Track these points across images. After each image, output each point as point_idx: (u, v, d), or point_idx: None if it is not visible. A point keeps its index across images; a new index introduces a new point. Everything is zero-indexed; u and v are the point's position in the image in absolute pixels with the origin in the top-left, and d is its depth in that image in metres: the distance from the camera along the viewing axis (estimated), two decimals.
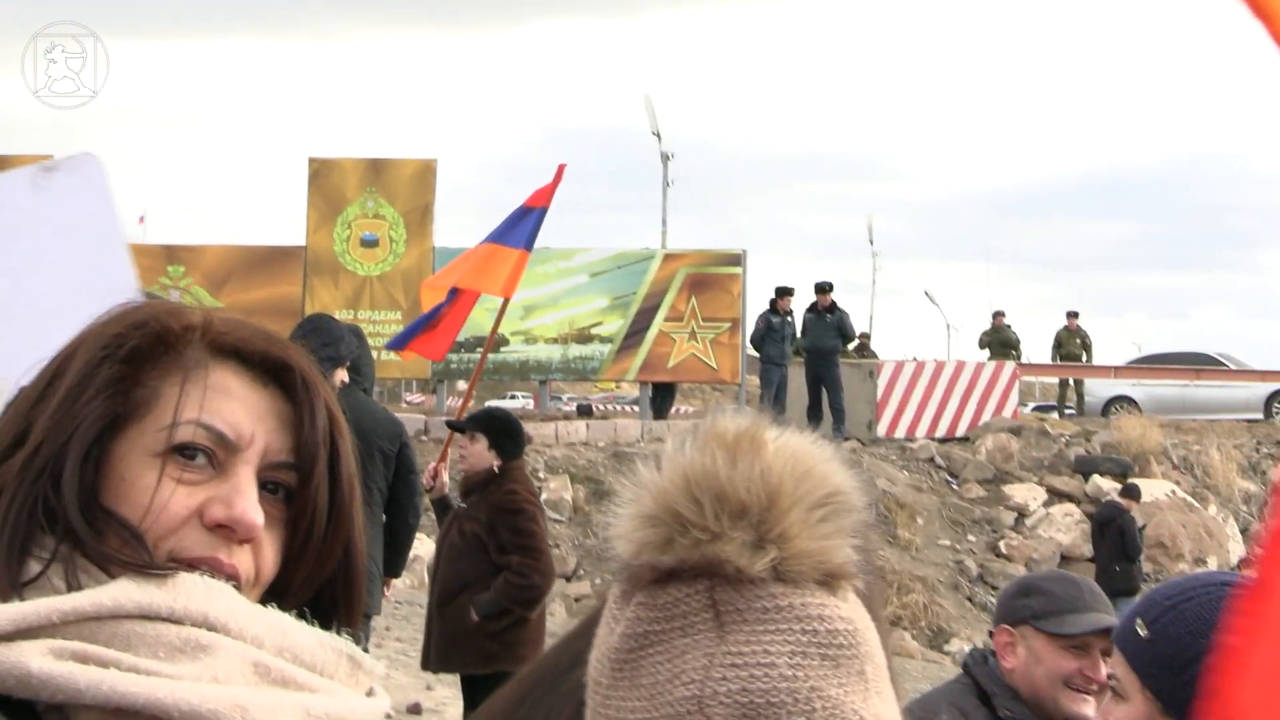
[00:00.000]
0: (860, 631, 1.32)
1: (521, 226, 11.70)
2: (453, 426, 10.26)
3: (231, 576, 1.49)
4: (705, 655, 1.28)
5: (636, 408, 27.05)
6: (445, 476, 10.26)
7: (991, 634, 4.06)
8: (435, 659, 9.46)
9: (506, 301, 11.93)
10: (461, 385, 26.15)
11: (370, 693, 1.54)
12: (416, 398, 35.87)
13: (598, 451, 23.24)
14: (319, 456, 1.57)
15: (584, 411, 28.09)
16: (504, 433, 9.43)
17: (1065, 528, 23.67)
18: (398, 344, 12.75)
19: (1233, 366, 32.88)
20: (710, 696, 1.27)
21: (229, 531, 1.49)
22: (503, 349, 25.40)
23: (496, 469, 9.26)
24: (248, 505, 1.50)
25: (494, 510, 9.17)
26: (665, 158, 36.96)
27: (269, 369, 1.58)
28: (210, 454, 1.51)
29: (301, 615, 1.51)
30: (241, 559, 1.51)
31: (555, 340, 25.77)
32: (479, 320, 19.65)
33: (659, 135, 36.67)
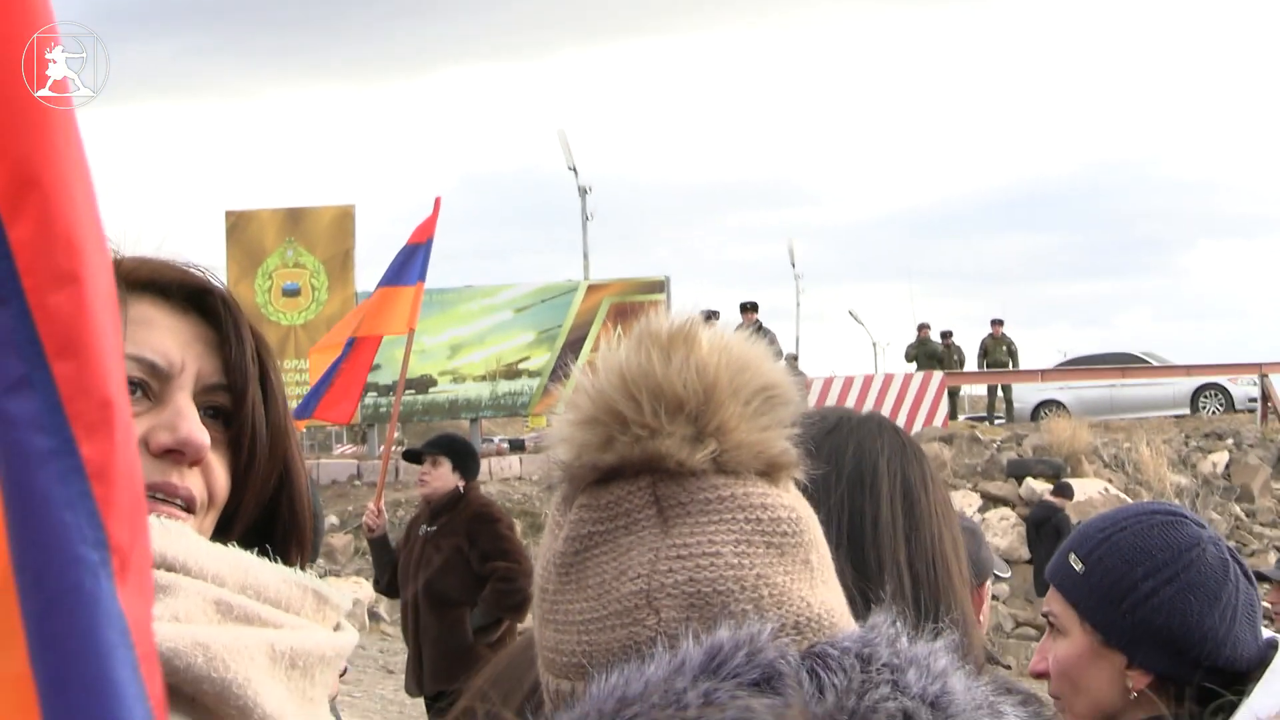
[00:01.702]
0: (803, 519, 1.33)
1: (411, 264, 11.76)
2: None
3: (186, 499, 1.50)
4: (650, 550, 1.29)
5: None
6: (384, 515, 10.26)
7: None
8: (430, 680, 9.40)
9: (412, 335, 11.96)
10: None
11: (337, 627, 1.53)
12: (348, 448, 35.64)
13: (532, 485, 23.18)
14: (250, 374, 1.57)
15: (517, 447, 28.03)
16: (466, 454, 9.71)
17: (1002, 532, 23.75)
18: (301, 413, 12.44)
19: (1157, 364, 33.15)
20: (658, 589, 1.27)
21: (178, 455, 1.50)
22: (431, 389, 25.32)
23: (461, 489, 9.46)
24: (193, 427, 1.50)
25: (472, 522, 9.34)
26: (583, 192, 36.82)
27: (188, 296, 1.58)
28: (145, 385, 1.51)
29: (264, 553, 1.49)
30: (194, 482, 1.52)
31: (484, 378, 25.69)
32: (399, 361, 19.54)
33: (575, 170, 36.57)
